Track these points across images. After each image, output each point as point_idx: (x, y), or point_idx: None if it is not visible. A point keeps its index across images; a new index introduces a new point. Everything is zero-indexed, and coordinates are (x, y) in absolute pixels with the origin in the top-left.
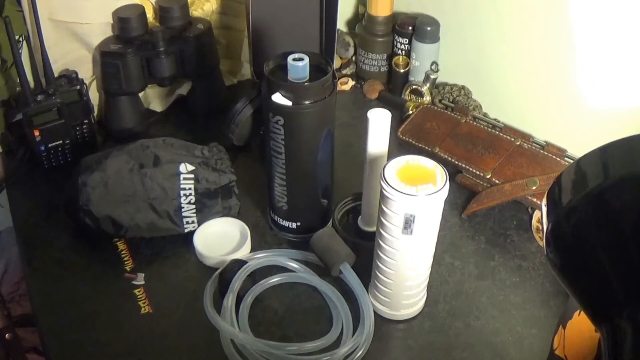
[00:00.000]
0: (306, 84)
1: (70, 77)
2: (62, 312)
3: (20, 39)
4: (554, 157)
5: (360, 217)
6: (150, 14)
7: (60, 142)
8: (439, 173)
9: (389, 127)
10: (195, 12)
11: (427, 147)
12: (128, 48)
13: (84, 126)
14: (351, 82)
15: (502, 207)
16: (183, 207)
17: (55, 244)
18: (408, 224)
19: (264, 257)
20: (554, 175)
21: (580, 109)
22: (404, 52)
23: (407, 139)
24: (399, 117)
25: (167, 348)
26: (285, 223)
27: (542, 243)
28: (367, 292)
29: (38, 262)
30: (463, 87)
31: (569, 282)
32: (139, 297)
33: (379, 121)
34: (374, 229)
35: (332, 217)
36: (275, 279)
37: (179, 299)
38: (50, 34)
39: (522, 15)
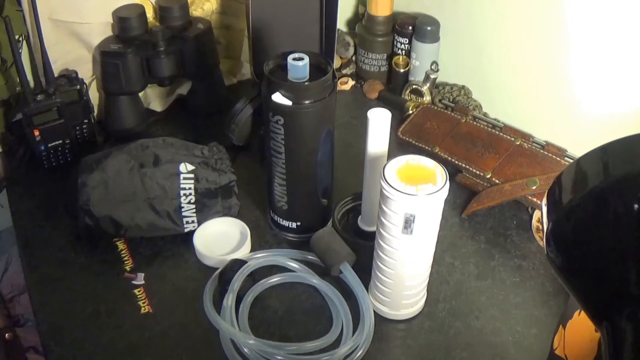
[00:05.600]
0: (306, 83)
1: (70, 77)
2: (62, 312)
3: (20, 39)
4: (554, 156)
5: (360, 217)
6: (150, 14)
7: (60, 142)
8: (439, 173)
9: (389, 127)
10: (195, 12)
11: (427, 147)
12: (128, 48)
13: (84, 126)
14: (351, 82)
15: (502, 207)
16: (183, 207)
17: (55, 244)
18: (408, 223)
19: (263, 257)
20: (554, 175)
21: (580, 109)
22: (404, 51)
23: (407, 139)
24: (399, 117)
25: (167, 348)
26: (285, 223)
27: (543, 243)
28: (367, 292)
29: (38, 262)
30: (463, 87)
31: (569, 282)
32: (139, 297)
33: (379, 121)
34: (374, 228)
35: (332, 217)
36: (275, 279)
37: (178, 298)
38: (50, 34)
39: (522, 15)
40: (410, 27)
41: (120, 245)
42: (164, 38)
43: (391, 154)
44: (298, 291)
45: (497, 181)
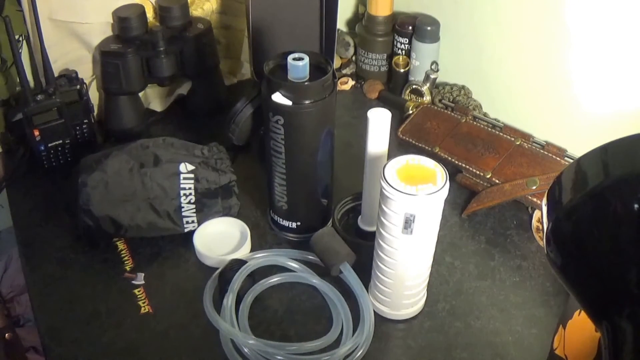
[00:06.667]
0: (306, 83)
1: (70, 77)
2: (62, 312)
3: (20, 39)
4: (554, 156)
5: (360, 217)
6: (150, 14)
7: (60, 142)
8: (439, 173)
9: (389, 127)
10: (195, 11)
11: (427, 147)
12: (128, 48)
13: (84, 126)
14: (351, 82)
15: (502, 207)
16: (183, 207)
17: (55, 244)
18: (408, 223)
19: (263, 257)
20: (554, 174)
21: (581, 109)
22: (404, 51)
23: (407, 139)
24: (399, 117)
25: (167, 348)
26: (285, 223)
27: (543, 243)
28: (367, 292)
29: (38, 262)
30: (463, 87)
31: (569, 282)
32: (138, 296)
33: (379, 121)
34: (374, 228)
35: (332, 217)
36: (275, 279)
37: (179, 298)
38: (50, 34)
39: (522, 15)
40: (410, 27)
41: (120, 245)
42: (164, 38)
43: (391, 154)
44: (298, 291)
45: (497, 181)
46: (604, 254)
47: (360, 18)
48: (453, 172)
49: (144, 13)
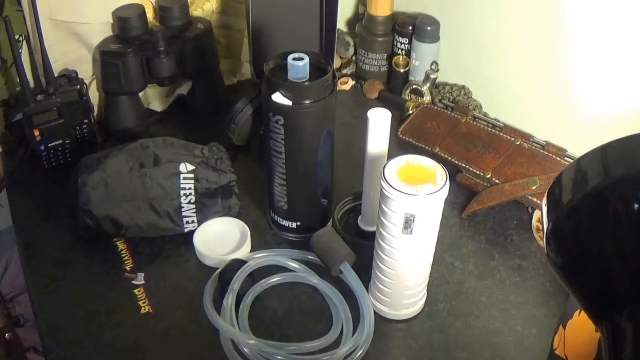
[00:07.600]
0: (306, 83)
1: (70, 77)
2: (62, 312)
3: (20, 39)
4: (554, 156)
5: (360, 216)
6: (150, 14)
7: (60, 141)
8: (439, 172)
9: (389, 127)
10: (195, 11)
11: (427, 147)
12: (128, 48)
13: (84, 126)
14: (351, 82)
15: (502, 207)
16: (183, 207)
17: (55, 244)
18: (408, 223)
19: (263, 257)
20: (554, 174)
21: (581, 109)
22: (404, 51)
23: (407, 139)
24: (399, 117)
25: (167, 348)
26: (285, 223)
27: (543, 243)
28: (367, 291)
29: (38, 262)
30: (463, 87)
31: (570, 282)
32: (138, 296)
33: (379, 121)
34: (374, 228)
35: (332, 216)
36: (275, 279)
37: (178, 298)
38: (50, 34)
39: (522, 15)
40: (410, 27)
41: (120, 245)
42: (164, 38)
43: (391, 154)
44: (298, 291)
45: (497, 181)
46: (604, 254)
47: (360, 18)
48: (453, 172)
49: (144, 13)
